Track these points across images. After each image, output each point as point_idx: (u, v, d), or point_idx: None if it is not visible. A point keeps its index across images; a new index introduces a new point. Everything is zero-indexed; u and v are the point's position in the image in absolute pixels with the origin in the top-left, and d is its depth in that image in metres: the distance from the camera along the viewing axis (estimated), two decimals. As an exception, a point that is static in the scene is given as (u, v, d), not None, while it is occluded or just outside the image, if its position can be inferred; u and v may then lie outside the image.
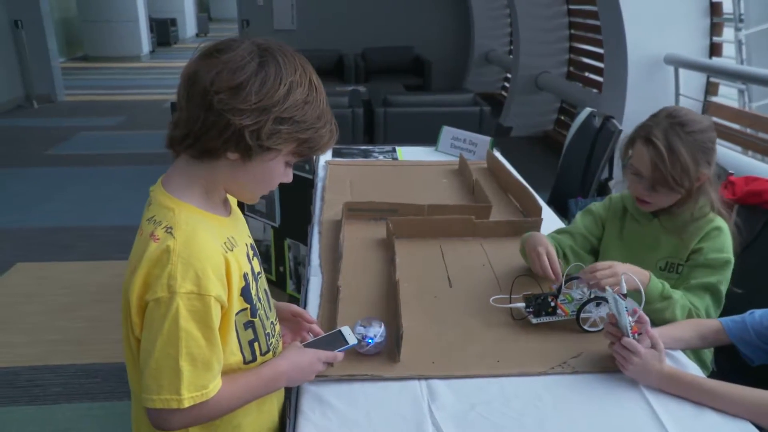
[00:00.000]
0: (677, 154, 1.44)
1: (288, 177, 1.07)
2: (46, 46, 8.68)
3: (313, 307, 1.54)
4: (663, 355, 1.25)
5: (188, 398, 0.95)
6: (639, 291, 1.36)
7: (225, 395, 1.01)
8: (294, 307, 1.31)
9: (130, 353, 1.03)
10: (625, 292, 1.33)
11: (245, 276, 1.05)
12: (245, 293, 1.05)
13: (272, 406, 1.20)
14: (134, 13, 14.01)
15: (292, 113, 0.96)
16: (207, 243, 0.97)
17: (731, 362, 1.63)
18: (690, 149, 1.45)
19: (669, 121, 1.48)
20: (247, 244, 1.12)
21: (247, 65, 0.93)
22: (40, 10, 8.51)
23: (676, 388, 1.23)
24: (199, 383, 0.96)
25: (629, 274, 1.37)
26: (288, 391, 1.26)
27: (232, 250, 1.03)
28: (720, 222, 1.53)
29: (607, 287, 1.33)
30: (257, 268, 1.14)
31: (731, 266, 1.51)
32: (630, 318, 1.26)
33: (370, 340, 1.31)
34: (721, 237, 1.52)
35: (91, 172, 5.65)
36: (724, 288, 1.51)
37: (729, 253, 1.51)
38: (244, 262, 1.07)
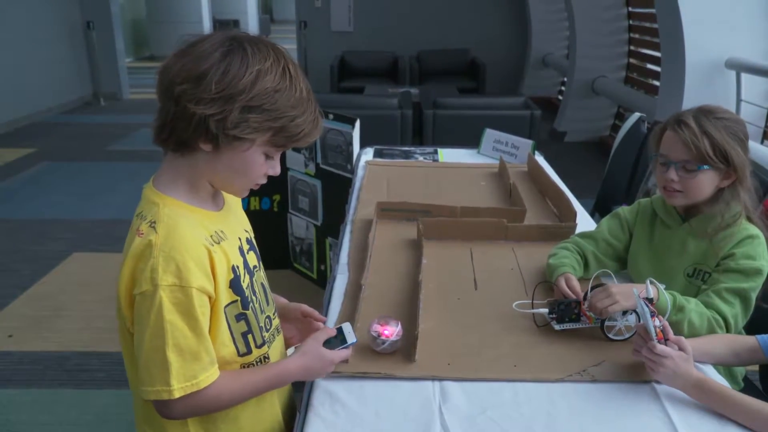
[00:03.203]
0: (707, 132, 1.42)
1: (274, 170, 1.06)
2: (114, 46, 9.06)
3: (335, 306, 1.55)
4: (692, 359, 1.21)
5: (178, 389, 0.96)
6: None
7: (226, 389, 1.03)
8: (304, 307, 1.32)
9: (126, 347, 1.05)
10: (651, 296, 1.30)
11: (234, 268, 1.06)
12: (234, 285, 1.05)
13: (272, 397, 1.21)
14: (198, 15, 14.43)
15: (261, 101, 0.95)
16: (188, 236, 0.98)
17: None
18: (719, 131, 1.42)
19: (699, 110, 1.47)
20: (240, 238, 1.13)
21: (211, 55, 0.94)
22: (111, 11, 8.89)
23: (702, 396, 1.19)
24: (188, 374, 0.97)
25: (653, 280, 1.33)
26: (300, 385, 1.27)
27: (218, 243, 1.03)
28: (754, 230, 1.47)
29: (634, 289, 1.30)
30: (253, 261, 1.15)
31: (764, 276, 1.44)
32: (657, 322, 1.23)
33: (385, 339, 1.32)
34: (754, 244, 1.45)
35: (148, 167, 5.84)
36: (754, 296, 1.44)
37: (762, 261, 1.44)
38: (234, 254, 1.07)
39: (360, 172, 2.66)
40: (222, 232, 1.06)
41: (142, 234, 0.97)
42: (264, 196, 3.51)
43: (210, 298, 1.01)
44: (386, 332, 1.32)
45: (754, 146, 3.57)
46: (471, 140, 3.15)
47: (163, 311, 0.94)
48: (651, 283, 1.34)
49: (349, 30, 8.97)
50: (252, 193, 1.14)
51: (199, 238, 1.01)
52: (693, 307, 1.40)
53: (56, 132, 7.23)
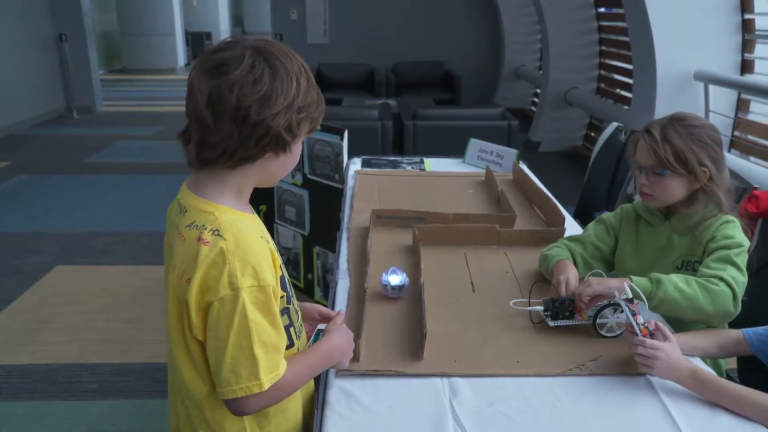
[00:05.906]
0: (669, 139, 1.54)
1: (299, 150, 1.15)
2: (87, 59, 8.99)
3: (340, 308, 1.60)
4: (677, 346, 1.30)
5: (267, 380, 1.02)
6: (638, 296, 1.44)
7: (290, 375, 1.08)
8: (320, 308, 1.36)
9: (186, 354, 1.08)
10: (631, 296, 1.39)
11: (281, 266, 1.13)
12: (282, 281, 1.12)
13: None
14: (171, 27, 14.42)
15: (305, 100, 1.05)
16: (253, 238, 1.04)
17: (756, 375, 1.65)
18: (682, 137, 1.54)
19: (669, 118, 1.60)
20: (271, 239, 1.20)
21: (263, 74, 0.99)
22: (84, 24, 8.83)
23: (698, 386, 1.27)
24: (272, 365, 1.04)
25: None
26: (316, 383, 1.33)
27: (269, 243, 1.10)
28: (729, 217, 1.58)
29: (615, 292, 1.40)
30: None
31: (745, 248, 1.54)
32: (641, 319, 1.32)
33: (395, 285, 1.60)
34: (730, 226, 1.56)
35: (127, 180, 5.83)
36: (741, 262, 1.51)
37: (741, 239, 1.55)
38: (276, 253, 1.13)
39: (350, 181, 2.72)
40: (264, 232, 1.13)
41: (208, 243, 1.00)
42: (250, 206, 3.53)
43: (275, 294, 1.06)
44: (395, 280, 1.54)
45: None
46: (451, 150, 3.24)
47: (247, 312, 1.00)
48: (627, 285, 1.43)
49: (325, 42, 9.04)
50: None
51: (261, 239, 1.07)
52: (673, 278, 1.48)
53: (30, 145, 7.15)
